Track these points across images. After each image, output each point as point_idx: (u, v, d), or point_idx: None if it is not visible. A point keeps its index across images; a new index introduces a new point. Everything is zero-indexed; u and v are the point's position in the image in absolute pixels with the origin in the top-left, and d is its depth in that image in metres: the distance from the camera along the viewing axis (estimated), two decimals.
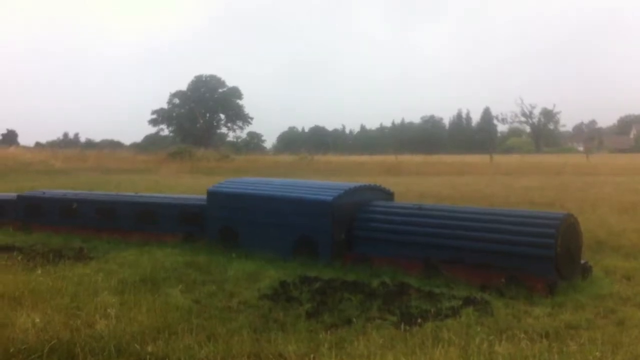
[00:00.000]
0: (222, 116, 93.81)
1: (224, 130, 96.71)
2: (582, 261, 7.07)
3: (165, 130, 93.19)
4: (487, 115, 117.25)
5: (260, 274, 7.12)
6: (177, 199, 10.56)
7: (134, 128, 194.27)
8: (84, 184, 20.22)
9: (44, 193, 11.95)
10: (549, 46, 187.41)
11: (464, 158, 48.43)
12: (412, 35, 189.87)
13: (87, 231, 10.26)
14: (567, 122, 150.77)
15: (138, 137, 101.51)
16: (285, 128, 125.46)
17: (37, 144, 68.38)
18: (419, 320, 5.24)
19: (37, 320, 5.05)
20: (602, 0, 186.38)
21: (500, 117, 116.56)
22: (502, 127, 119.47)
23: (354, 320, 5.28)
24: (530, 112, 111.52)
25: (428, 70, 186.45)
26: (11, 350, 4.33)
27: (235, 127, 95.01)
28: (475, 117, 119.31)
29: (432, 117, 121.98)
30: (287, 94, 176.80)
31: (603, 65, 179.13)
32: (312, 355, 4.38)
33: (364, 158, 53.25)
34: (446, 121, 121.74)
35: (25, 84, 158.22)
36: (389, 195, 8.96)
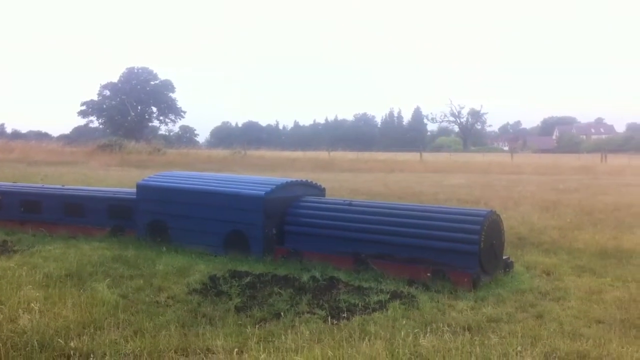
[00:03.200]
0: (154, 109, 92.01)
1: (155, 123, 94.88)
2: (505, 257, 7.34)
3: (95, 122, 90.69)
4: (417, 114, 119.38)
5: (190, 269, 7.07)
6: (106, 192, 10.35)
7: (62, 119, 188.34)
8: (9, 176, 19.50)
9: None
10: (479, 47, 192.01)
11: (395, 156, 49.08)
12: (345, 33, 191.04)
13: (11, 224, 9.94)
14: (494, 122, 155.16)
15: (66, 129, 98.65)
16: (218, 122, 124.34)
17: None
18: (347, 314, 5.34)
19: None
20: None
21: (430, 116, 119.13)
22: (432, 126, 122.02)
23: (283, 314, 5.32)
24: (459, 112, 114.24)
25: (361, 68, 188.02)
26: None
27: (167, 120, 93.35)
28: (407, 116, 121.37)
29: (364, 114, 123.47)
30: (220, 88, 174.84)
31: (528, 67, 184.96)
32: (239, 349, 4.39)
33: (297, 154, 53.28)
34: (378, 119, 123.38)
35: None
36: (320, 191, 9.04)
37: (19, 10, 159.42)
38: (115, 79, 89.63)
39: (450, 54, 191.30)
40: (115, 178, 20.31)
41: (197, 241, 8.18)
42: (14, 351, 4.22)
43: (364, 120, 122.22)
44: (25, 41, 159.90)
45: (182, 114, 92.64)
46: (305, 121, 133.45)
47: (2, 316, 4.99)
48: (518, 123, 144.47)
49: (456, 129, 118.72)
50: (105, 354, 4.25)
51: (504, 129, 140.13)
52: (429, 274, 6.60)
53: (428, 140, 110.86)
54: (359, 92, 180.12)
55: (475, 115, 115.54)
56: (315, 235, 7.73)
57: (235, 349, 4.37)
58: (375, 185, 19.38)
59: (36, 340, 4.40)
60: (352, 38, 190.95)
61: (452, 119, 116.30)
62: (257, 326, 4.97)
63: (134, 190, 9.41)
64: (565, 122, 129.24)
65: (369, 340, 4.52)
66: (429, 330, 4.87)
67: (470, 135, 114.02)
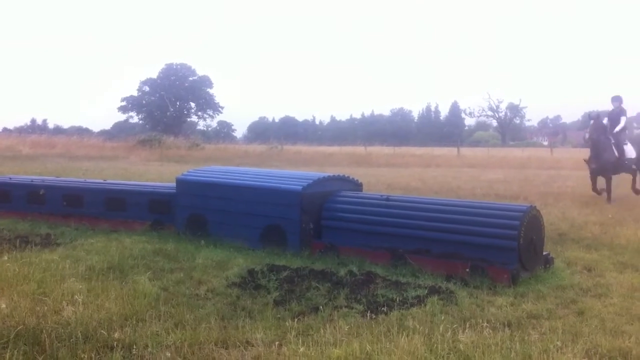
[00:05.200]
0: (193, 104, 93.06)
1: (194, 118, 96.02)
2: (545, 253, 7.24)
3: (135, 118, 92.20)
4: (455, 108, 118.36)
5: (229, 262, 7.14)
6: (146, 186, 10.51)
7: (103, 115, 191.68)
8: (51, 171, 19.96)
9: (10, 179, 11.78)
10: (518, 40, 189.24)
11: (432, 150, 48.77)
12: (381, 28, 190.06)
13: (54, 218, 10.16)
14: (533, 116, 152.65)
15: (107, 124, 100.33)
16: (255, 118, 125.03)
17: (5, 130, 67.02)
18: (385, 309, 5.33)
19: (3, 306, 5.00)
20: None
21: (467, 110, 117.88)
22: (469, 121, 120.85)
23: (321, 308, 5.34)
24: (497, 107, 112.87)
25: (398, 63, 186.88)
26: None
27: (205, 115, 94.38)
28: (444, 111, 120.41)
29: (401, 109, 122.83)
30: (257, 83, 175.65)
31: (569, 61, 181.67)
32: (279, 343, 4.42)
33: (334, 149, 53.33)
34: (415, 114, 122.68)
35: None
36: (357, 185, 9.04)
37: (60, 7, 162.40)
38: (154, 75, 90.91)
39: (489, 48, 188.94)
40: (154, 173, 20.58)
41: (235, 235, 8.26)
42: (59, 342, 4.30)
43: (400, 115, 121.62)
44: (67, 38, 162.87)
45: (219, 109, 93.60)
46: (342, 116, 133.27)
47: (46, 308, 5.10)
48: (558, 117, 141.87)
49: (494, 123, 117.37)
50: (147, 345, 4.32)
51: (544, 123, 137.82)
52: (467, 270, 6.55)
53: (465, 134, 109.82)
54: (395, 87, 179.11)
55: (514, 109, 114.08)
56: (352, 230, 7.74)
57: (275, 342, 4.40)
58: (411, 180, 19.31)
59: (80, 332, 4.48)
60: (388, 33, 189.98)
61: (490, 113, 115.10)
62: (295, 320, 5.00)
63: (173, 184, 9.54)
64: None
65: (407, 335, 4.51)
66: (467, 326, 4.84)
67: (508, 129, 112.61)
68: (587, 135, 14.01)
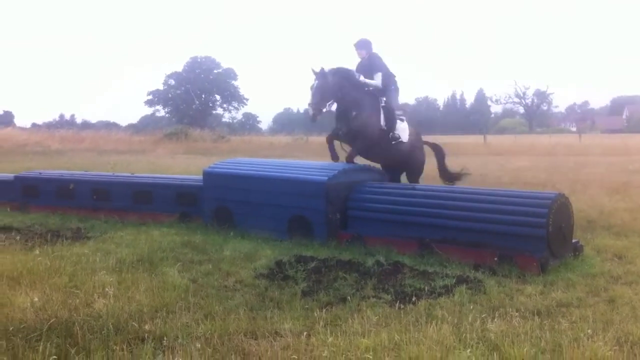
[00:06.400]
0: (218, 97, 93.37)
1: (219, 111, 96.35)
2: (574, 240, 7.17)
3: (161, 111, 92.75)
4: (480, 96, 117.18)
5: (256, 254, 7.19)
6: (173, 179, 10.60)
7: (129, 109, 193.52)
8: (80, 165, 20.22)
9: (40, 173, 11.97)
10: (544, 26, 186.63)
11: (458, 139, 48.38)
12: (405, 16, 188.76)
13: (84, 211, 10.31)
14: (560, 103, 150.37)
15: (134, 118, 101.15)
16: (280, 109, 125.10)
17: (34, 125, 67.93)
18: (413, 299, 5.33)
19: (36, 299, 5.10)
20: None
21: (493, 98, 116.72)
22: (495, 108, 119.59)
23: (349, 298, 5.35)
24: (524, 93, 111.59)
25: (422, 51, 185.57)
26: (10, 329, 4.36)
27: (230, 108, 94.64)
28: (469, 98, 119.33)
29: (426, 98, 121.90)
30: (282, 74, 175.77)
31: (596, 46, 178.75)
32: (307, 333, 4.44)
33: None
34: (440, 102, 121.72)
35: (22, 64, 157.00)
36: (382, 175, 9.03)
37: (86, 3, 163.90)
38: (179, 69, 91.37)
39: (514, 33, 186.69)
40: (181, 166, 20.73)
41: (262, 227, 8.30)
42: (91, 334, 4.37)
43: (425, 104, 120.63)
44: (93, 34, 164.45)
45: (244, 101, 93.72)
46: None
47: (78, 301, 5.18)
48: (586, 103, 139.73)
49: (521, 110, 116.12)
50: (177, 336, 4.37)
51: (571, 109, 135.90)
52: (495, 259, 6.51)
53: (492, 122, 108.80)
54: (420, 75, 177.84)
55: (541, 96, 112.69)
56: (378, 220, 7.73)
57: (303, 333, 4.43)
58: (437, 169, 19.14)
59: (111, 324, 4.54)
60: (412, 20, 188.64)
61: (516, 100, 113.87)
62: (323, 310, 5.01)
63: (199, 177, 9.61)
64: (636, 102, 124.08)
65: (435, 325, 4.50)
66: (496, 315, 4.82)
67: (535, 116, 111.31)
68: None
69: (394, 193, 7.92)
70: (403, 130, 9.54)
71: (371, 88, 9.27)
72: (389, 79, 9.42)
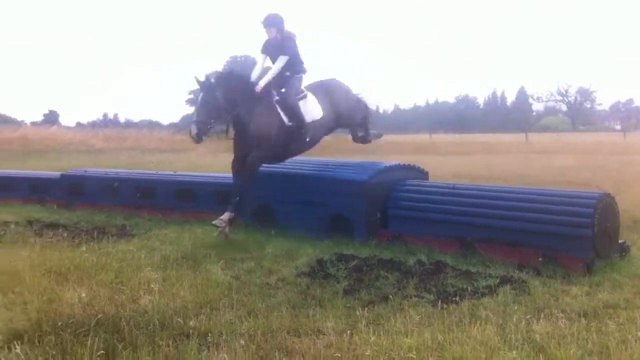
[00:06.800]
0: None
1: None
2: (620, 241, 7.03)
3: None
4: (522, 94, 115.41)
5: (297, 252, 7.23)
6: (215, 177, 10.72)
7: (171, 108, 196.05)
8: (123, 164, 20.55)
9: (85, 172, 12.22)
10: (586, 22, 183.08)
11: (499, 137, 47.85)
12: (444, 14, 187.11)
13: (127, 209, 10.49)
14: (604, 100, 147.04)
15: (175, 117, 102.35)
16: None
17: (78, 124, 69.37)
18: (456, 299, 5.29)
19: (83, 295, 5.21)
20: None
21: (535, 96, 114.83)
22: (537, 106, 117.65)
23: (391, 297, 5.35)
24: (567, 91, 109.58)
25: (462, 49, 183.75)
26: (59, 324, 4.45)
27: None
28: (510, 96, 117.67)
29: (466, 96, 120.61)
30: (322, 73, 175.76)
31: None
32: (350, 331, 4.45)
33: (398, 137, 52.88)
34: (480, 100, 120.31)
35: (66, 65, 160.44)
36: (423, 174, 8.98)
37: (129, 5, 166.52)
38: (219, 68, 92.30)
39: (557, 30, 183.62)
40: (221, 164, 20.91)
41: (302, 225, 8.33)
42: (137, 330, 4.44)
43: (465, 102, 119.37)
44: (136, 37, 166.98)
45: None
46: (406, 104, 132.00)
47: (124, 297, 5.28)
48: (630, 101, 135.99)
49: (564, 108, 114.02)
50: (221, 333, 4.42)
51: (615, 107, 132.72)
52: (540, 259, 6.43)
53: (533, 120, 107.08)
54: (460, 74, 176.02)
55: (584, 93, 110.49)
56: (419, 219, 7.70)
57: (346, 331, 4.44)
58: (478, 168, 19.01)
59: (157, 320, 4.61)
60: (452, 19, 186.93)
61: (559, 98, 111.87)
62: (365, 309, 5.02)
63: None
64: None
65: (479, 325, 4.47)
66: (542, 316, 4.76)
67: (578, 114, 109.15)
68: None
69: (435, 192, 7.88)
70: (311, 109, 8.42)
71: (267, 82, 8.15)
72: (295, 65, 8.34)
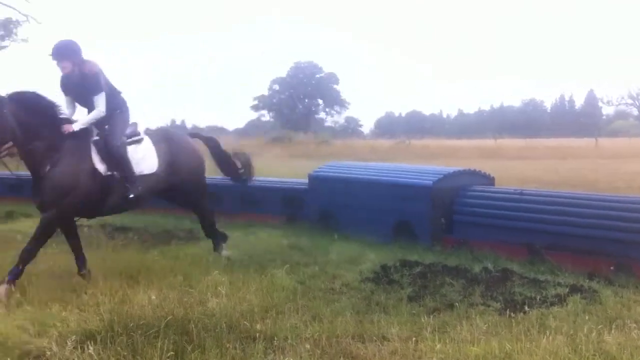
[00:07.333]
0: (320, 101, 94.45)
1: (322, 115, 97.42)
2: None
3: (266, 116, 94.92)
4: (591, 97, 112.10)
5: (361, 257, 7.24)
6: (279, 182, 10.83)
7: (237, 114, 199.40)
8: None
9: None
10: None
11: (567, 142, 46.60)
12: (509, 16, 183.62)
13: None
14: None
15: (241, 123, 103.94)
16: (382, 113, 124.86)
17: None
18: (524, 307, 5.18)
19: (153, 297, 5.33)
20: None
21: (605, 99, 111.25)
22: (607, 110, 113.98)
23: (457, 305, 5.29)
24: (638, 94, 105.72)
25: (529, 52, 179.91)
26: (130, 325, 4.57)
27: (332, 112, 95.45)
28: (579, 100, 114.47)
29: (532, 100, 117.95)
30: (383, 78, 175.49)
31: None
32: (415, 339, 4.42)
33: (462, 142, 52.27)
34: (548, 104, 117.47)
35: (129, 72, 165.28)
36: (489, 180, 8.84)
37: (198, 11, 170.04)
38: (283, 74, 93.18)
39: (627, 31, 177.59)
40: (285, 169, 21.14)
41: (366, 230, 8.32)
42: (205, 332, 4.52)
43: (532, 106, 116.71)
44: (198, 44, 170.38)
45: (346, 105, 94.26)
46: (470, 109, 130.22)
47: (192, 299, 5.38)
48: None
49: (635, 112, 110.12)
50: (287, 337, 4.46)
51: None
52: (612, 267, 6.23)
53: (603, 124, 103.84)
54: (526, 77, 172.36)
55: None
56: (485, 225, 7.59)
57: (411, 338, 4.41)
58: (545, 174, 18.59)
59: (224, 322, 4.69)
60: (518, 22, 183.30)
61: (630, 101, 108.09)
62: (430, 316, 4.98)
63: (304, 180, 9.78)
64: None
65: (549, 335, 4.36)
66: (614, 326, 4.61)
67: None
68: None
69: (501, 197, 7.76)
70: (144, 158, 6.62)
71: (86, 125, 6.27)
72: (114, 99, 6.53)
